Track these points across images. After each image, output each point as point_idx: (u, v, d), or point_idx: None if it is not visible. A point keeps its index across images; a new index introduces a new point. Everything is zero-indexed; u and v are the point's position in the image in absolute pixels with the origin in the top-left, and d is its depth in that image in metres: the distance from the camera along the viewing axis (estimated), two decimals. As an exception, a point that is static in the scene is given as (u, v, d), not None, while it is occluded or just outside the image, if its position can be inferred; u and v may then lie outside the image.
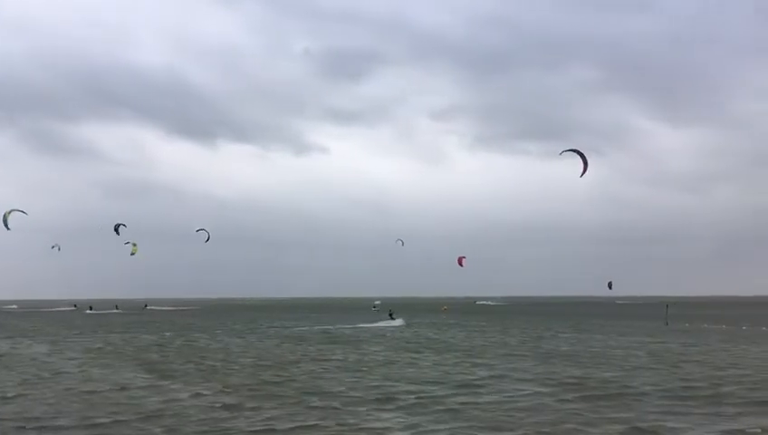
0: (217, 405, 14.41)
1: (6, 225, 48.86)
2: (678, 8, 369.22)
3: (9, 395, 15.94)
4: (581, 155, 31.97)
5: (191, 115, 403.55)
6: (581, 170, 32.21)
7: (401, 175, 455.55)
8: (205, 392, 16.14)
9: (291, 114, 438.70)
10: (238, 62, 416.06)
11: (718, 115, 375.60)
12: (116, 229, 55.81)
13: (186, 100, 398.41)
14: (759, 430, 11.63)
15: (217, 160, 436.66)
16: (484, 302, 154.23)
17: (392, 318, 56.57)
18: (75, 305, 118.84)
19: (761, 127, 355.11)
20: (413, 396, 15.33)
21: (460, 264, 60.23)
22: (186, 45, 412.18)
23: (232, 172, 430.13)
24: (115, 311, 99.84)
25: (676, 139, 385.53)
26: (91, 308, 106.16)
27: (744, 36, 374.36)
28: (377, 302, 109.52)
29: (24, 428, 12.26)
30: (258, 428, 12.21)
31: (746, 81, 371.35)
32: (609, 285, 59.78)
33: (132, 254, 57.31)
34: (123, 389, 16.91)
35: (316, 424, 12.40)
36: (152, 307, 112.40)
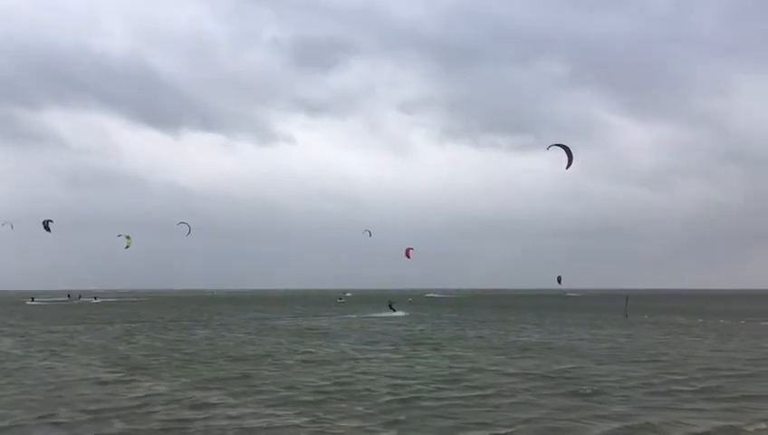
0: (184, 399, 14.39)
1: None
2: (651, 7, 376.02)
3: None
4: (566, 149, 32.60)
5: (157, 103, 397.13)
6: (567, 163, 32.84)
7: (369, 167, 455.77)
8: (169, 386, 16.09)
9: (258, 103, 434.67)
10: (205, 50, 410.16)
11: (682, 112, 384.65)
12: (46, 226, 54.74)
13: (151, 87, 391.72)
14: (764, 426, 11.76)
15: (182, 149, 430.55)
16: (432, 295, 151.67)
17: (393, 310, 58.19)
18: (69, 295, 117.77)
19: (722, 124, 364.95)
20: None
21: (407, 255, 61.09)
22: (152, 32, 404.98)
23: (197, 161, 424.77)
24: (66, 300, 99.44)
25: (641, 134, 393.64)
26: (33, 299, 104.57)
27: (711, 35, 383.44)
28: (347, 293, 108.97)
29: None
30: (224, 423, 12.23)
31: (710, 78, 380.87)
32: (559, 280, 61.01)
33: (127, 247, 56.12)
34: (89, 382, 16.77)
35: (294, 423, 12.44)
36: (85, 299, 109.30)
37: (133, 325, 41.49)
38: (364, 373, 18.21)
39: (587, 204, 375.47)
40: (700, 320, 48.90)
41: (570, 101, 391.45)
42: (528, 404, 13.70)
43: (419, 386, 15.93)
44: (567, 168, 32.98)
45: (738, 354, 23.69)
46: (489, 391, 15.20)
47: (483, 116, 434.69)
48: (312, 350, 24.96)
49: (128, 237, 56.19)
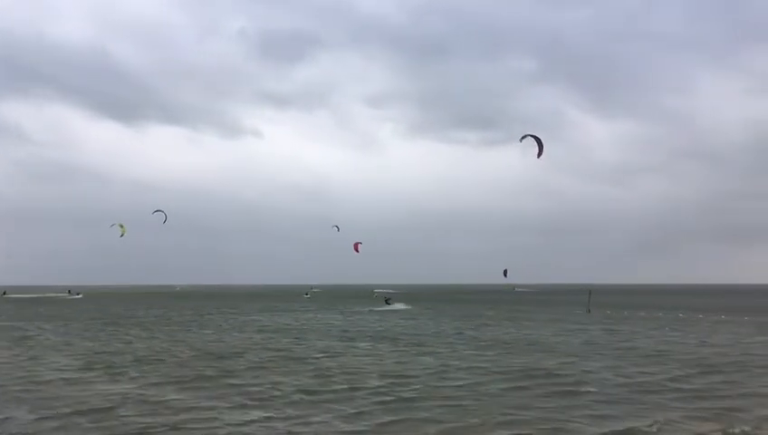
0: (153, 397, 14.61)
1: None
2: (620, 3, 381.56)
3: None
4: (537, 139, 33.28)
5: (119, 95, 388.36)
6: (538, 152, 33.52)
7: (337, 161, 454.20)
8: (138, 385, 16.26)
9: (223, 96, 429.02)
10: (169, 41, 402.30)
11: (645, 108, 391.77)
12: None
13: (113, 79, 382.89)
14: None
15: (146, 143, 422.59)
16: (379, 290, 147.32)
17: (388, 304, 60.37)
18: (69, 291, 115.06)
19: (684, 121, 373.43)
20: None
21: (356, 250, 61.72)
22: (113, 21, 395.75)
23: (161, 155, 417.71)
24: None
25: (605, 131, 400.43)
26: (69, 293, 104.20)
27: (675, 32, 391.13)
28: (314, 289, 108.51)
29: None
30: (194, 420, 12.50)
31: (674, 74, 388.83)
32: (504, 273, 61.95)
33: (121, 235, 55.28)
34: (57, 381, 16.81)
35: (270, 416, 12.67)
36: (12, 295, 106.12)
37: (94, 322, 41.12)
38: (343, 369, 18.60)
39: (553, 200, 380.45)
40: (660, 314, 50.50)
41: (538, 97, 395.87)
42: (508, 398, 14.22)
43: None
44: (539, 156, 33.63)
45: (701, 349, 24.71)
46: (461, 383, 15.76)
47: (452, 111, 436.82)
48: (285, 347, 25.26)
49: (121, 226, 55.38)
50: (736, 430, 11.29)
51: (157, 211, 55.38)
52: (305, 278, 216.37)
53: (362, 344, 25.36)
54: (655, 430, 11.43)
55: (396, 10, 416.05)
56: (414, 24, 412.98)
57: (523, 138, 34.13)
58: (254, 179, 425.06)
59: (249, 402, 13.68)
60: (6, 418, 12.21)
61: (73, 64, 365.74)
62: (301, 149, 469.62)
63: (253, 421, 11.97)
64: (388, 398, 14.03)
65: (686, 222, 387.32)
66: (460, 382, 16.03)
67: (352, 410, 12.83)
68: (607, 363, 19.62)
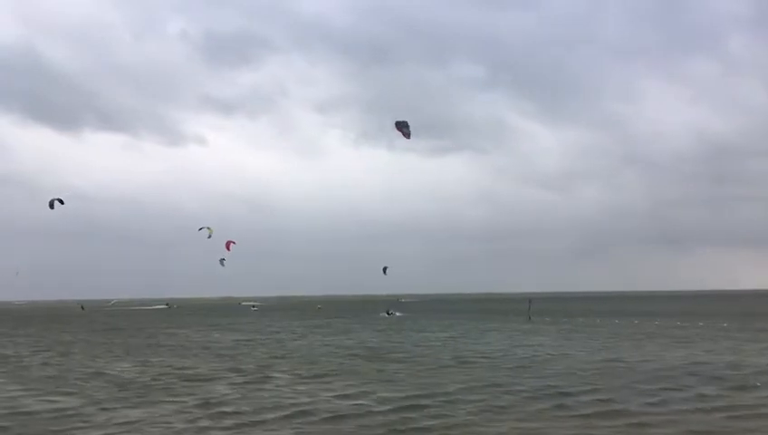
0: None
1: None
2: (563, 8, 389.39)
3: None
4: (401, 125, 33.12)
5: (51, 99, 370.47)
6: (406, 135, 33.40)
7: (282, 169, 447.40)
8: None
9: (164, 101, 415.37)
10: (103, 41, 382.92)
11: (588, 115, 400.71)
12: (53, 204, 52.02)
13: (44, 81, 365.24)
14: None
15: (80, 150, 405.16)
16: (247, 303, 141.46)
17: (388, 314, 65.39)
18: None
19: (626, 128, 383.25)
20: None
21: (227, 248, 61.79)
22: (43, 20, 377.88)
23: (97, 163, 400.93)
24: None
25: (548, 138, 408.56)
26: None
27: (619, 39, 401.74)
28: (254, 307, 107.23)
29: None
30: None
31: (618, 82, 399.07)
32: (384, 270, 62.54)
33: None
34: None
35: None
36: None
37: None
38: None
39: (497, 207, 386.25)
40: (597, 320, 51.85)
41: (483, 104, 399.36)
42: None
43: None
44: (407, 137, 33.54)
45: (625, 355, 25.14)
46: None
47: (398, 118, 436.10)
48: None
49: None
50: None
51: (202, 228, 53.06)
52: (244, 291, 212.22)
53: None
54: None
55: (338, 11, 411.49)
56: (356, 26, 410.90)
57: (397, 124, 33.79)
58: (195, 188, 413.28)
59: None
60: None
61: (1, 66, 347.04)
62: (245, 156, 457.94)
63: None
64: None
65: (625, 229, 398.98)
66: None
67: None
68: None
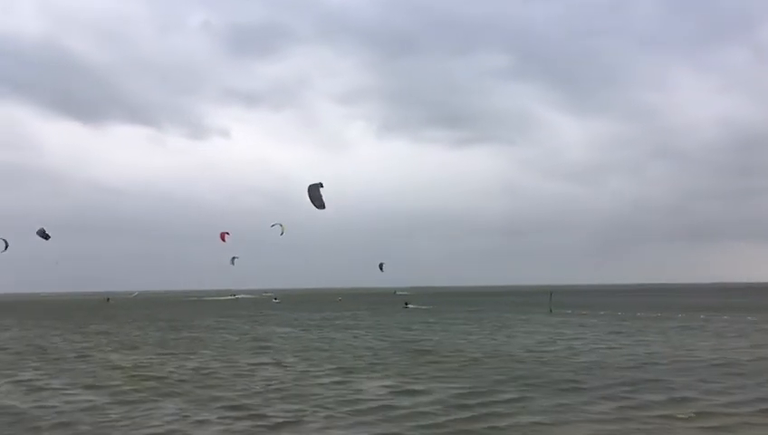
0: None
1: None
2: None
3: None
4: (313, 192, 32.84)
5: (76, 92, 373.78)
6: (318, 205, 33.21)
7: (304, 162, 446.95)
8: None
9: (188, 94, 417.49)
10: (128, 35, 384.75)
11: (617, 106, 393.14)
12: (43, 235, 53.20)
13: (70, 75, 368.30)
14: None
15: (106, 143, 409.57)
16: (267, 295, 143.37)
17: (407, 307, 65.07)
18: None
19: (655, 120, 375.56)
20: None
21: (222, 239, 62.03)
22: (69, 13, 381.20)
23: (122, 156, 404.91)
24: None
25: (576, 129, 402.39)
26: None
27: (650, 29, 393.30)
28: (275, 299, 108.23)
29: None
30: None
31: (646, 72, 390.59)
32: (381, 267, 61.99)
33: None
34: None
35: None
36: None
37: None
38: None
39: (520, 200, 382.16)
40: (619, 313, 50.82)
41: (509, 95, 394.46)
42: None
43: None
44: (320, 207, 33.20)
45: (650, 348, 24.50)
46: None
47: (423, 109, 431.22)
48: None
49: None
50: None
51: (274, 225, 53.42)
52: (268, 284, 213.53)
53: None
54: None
55: (363, 2, 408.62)
56: (382, 16, 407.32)
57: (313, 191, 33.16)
58: (219, 182, 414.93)
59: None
60: None
61: (26, 59, 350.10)
62: (269, 149, 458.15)
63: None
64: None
65: (652, 222, 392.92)
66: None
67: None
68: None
